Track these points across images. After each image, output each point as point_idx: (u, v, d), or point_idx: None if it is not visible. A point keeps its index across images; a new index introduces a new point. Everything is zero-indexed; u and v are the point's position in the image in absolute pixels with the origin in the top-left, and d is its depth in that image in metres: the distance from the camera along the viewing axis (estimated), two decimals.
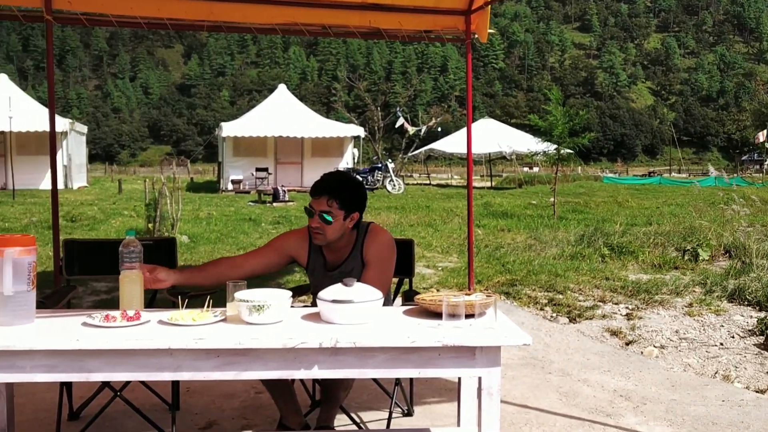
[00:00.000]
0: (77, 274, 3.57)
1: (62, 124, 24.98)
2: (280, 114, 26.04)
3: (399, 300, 3.65)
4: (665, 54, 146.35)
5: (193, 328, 2.44)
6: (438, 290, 6.94)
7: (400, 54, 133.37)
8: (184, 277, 2.96)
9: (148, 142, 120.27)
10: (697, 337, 5.31)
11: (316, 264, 3.23)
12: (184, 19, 5.95)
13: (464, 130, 32.51)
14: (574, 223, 12.57)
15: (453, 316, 2.50)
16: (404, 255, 3.56)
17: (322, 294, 2.58)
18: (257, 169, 24.27)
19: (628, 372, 4.48)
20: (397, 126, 30.51)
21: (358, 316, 2.52)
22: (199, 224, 11.77)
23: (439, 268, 8.15)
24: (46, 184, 24.44)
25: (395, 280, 3.64)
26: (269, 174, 24.54)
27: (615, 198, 19.10)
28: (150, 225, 9.49)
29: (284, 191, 18.99)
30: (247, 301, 2.50)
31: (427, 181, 33.58)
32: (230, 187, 24.68)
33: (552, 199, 14.66)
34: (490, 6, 5.81)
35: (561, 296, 6.62)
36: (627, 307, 6.26)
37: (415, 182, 32.88)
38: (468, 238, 6.45)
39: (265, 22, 6.03)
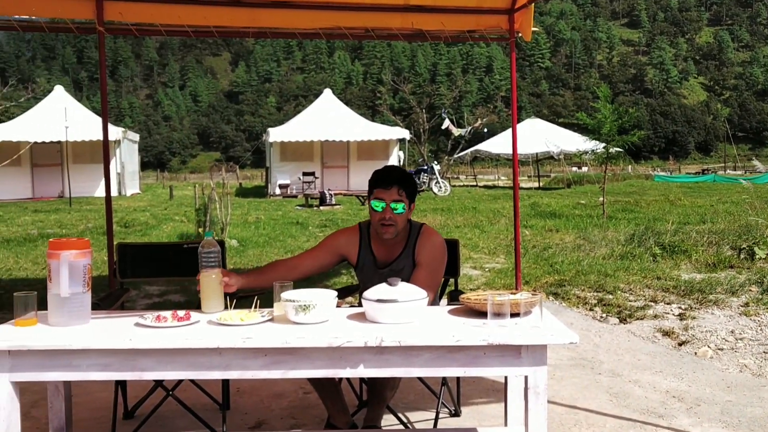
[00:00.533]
0: (130, 276, 3.66)
1: (115, 132, 25.67)
2: (326, 118, 26.26)
3: (444, 300, 3.65)
4: (718, 48, 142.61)
5: (241, 328, 2.49)
6: (484, 290, 6.92)
7: (445, 56, 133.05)
8: (247, 282, 3.00)
9: (197, 149, 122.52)
10: (754, 338, 5.16)
11: (365, 261, 3.27)
12: (229, 27, 6.07)
13: (510, 130, 32.28)
14: (624, 222, 12.35)
15: (498, 315, 2.49)
16: (450, 255, 3.54)
17: (366, 294, 2.60)
18: (304, 173, 24.50)
19: (681, 373, 4.39)
20: (443, 128, 30.42)
21: (403, 316, 2.53)
22: (248, 228, 11.94)
23: (486, 270, 8.10)
24: (101, 192, 25.13)
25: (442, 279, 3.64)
26: (316, 178, 24.74)
27: (667, 196, 18.70)
28: (200, 230, 9.67)
29: (331, 195, 19.12)
30: (294, 301, 2.54)
31: (474, 183, 33.41)
32: (278, 191, 24.96)
33: (601, 199, 14.43)
34: (533, 4, 5.77)
35: (611, 296, 6.51)
36: (680, 307, 6.12)
37: (462, 184, 32.75)
38: (515, 239, 6.40)
39: (308, 27, 6.10)
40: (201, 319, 2.64)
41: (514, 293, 2.81)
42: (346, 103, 34.16)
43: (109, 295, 3.50)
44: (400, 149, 26.63)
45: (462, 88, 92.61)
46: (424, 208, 15.96)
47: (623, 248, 8.97)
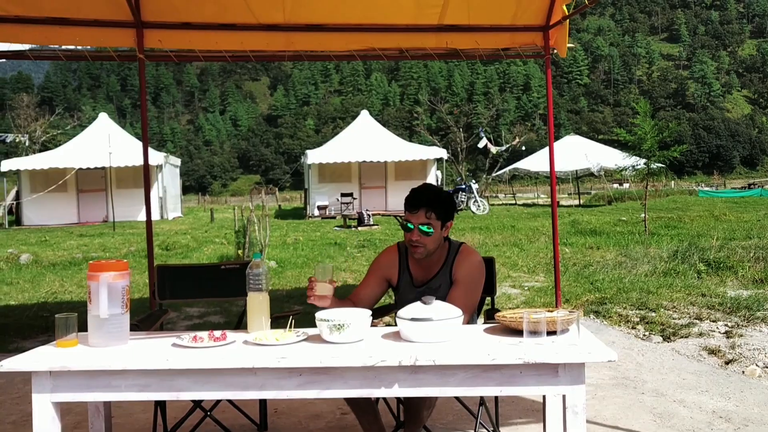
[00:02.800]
0: (169, 298, 3.71)
1: (157, 157, 26.19)
2: (364, 139, 26.42)
3: (481, 319, 3.61)
4: (762, 60, 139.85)
5: (276, 348, 2.50)
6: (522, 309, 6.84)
7: (482, 75, 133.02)
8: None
9: (238, 172, 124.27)
10: None
11: (403, 280, 3.27)
12: (265, 51, 6.17)
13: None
14: (667, 238, 12.11)
15: (534, 333, 2.46)
16: (486, 273, 3.52)
17: (401, 313, 2.60)
18: (342, 195, 24.63)
19: (728, 392, 4.26)
20: (480, 146, 30.33)
21: (437, 334, 2.52)
22: (287, 249, 12.02)
23: (525, 288, 8.01)
24: (143, 216, 25.59)
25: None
26: (354, 199, 24.85)
27: (711, 212, 18.29)
28: (239, 251, 9.78)
29: (369, 215, 19.16)
30: (328, 321, 2.54)
31: (513, 201, 33.18)
32: (316, 212, 25.11)
33: (643, 215, 14.19)
34: (568, 20, 5.75)
35: (654, 314, 6.37)
36: (726, 325, 5.96)
37: (501, 202, 32.56)
38: (554, 257, 6.33)
39: (343, 49, 6.17)
40: (237, 339, 2.66)
41: (551, 311, 2.78)
42: (384, 124, 34.32)
43: (148, 317, 3.55)
44: (437, 169, 26.61)
45: (499, 106, 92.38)
46: (463, 227, 15.88)
47: (666, 265, 8.79)
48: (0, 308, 7.50)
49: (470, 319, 3.14)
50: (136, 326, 3.26)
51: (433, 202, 3.12)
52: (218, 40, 6.00)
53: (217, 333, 2.68)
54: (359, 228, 17.91)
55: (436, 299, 2.64)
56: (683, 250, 9.49)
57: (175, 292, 3.72)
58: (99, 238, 15.53)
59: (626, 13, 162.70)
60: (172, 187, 28.73)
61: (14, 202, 26.60)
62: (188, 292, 3.77)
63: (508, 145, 32.70)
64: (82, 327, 2.65)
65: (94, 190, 26.26)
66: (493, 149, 30.30)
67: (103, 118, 29.58)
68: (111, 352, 2.53)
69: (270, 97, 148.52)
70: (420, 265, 3.23)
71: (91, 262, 2.70)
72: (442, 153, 26.43)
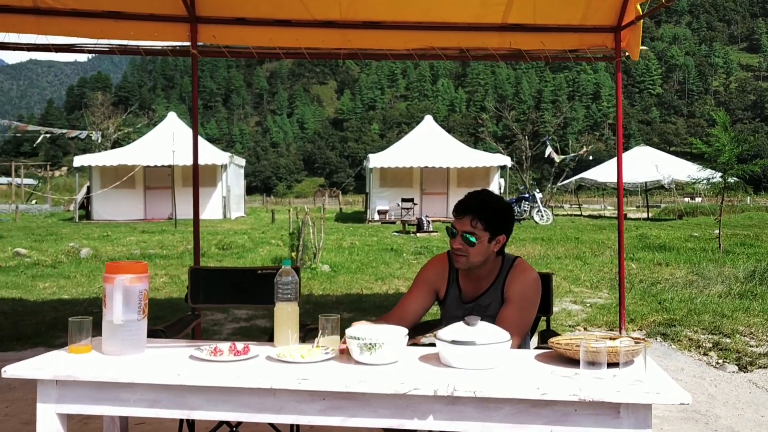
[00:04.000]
0: (202, 302, 3.52)
1: (222, 157, 26.58)
2: (426, 144, 26.16)
3: (534, 340, 3.29)
4: None
5: (299, 367, 2.25)
6: (585, 328, 6.42)
7: (551, 82, 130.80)
8: None
9: (303, 174, 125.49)
10: None
11: (451, 295, 2.99)
12: (320, 48, 5.97)
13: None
14: (743, 257, 11.40)
15: (593, 364, 2.14)
16: (542, 291, 3.20)
17: (441, 333, 2.31)
18: (403, 200, 24.40)
19: None
20: (546, 155, 29.66)
21: (480, 361, 2.22)
22: (342, 253, 11.84)
23: (588, 305, 7.58)
24: (208, 214, 25.99)
25: None
26: (415, 204, 24.58)
27: None
28: (293, 254, 9.63)
29: (428, 221, 18.86)
30: (358, 339, 2.28)
31: (579, 212, 32.31)
32: (376, 217, 24.96)
33: (717, 231, 13.44)
34: (641, 22, 5.36)
35: (728, 340, 5.88)
36: None
37: (566, 213, 31.72)
38: (619, 273, 5.94)
39: (400, 48, 5.92)
40: (261, 354, 2.43)
41: (614, 338, 2.45)
42: (449, 131, 34.01)
43: (178, 322, 3.36)
44: (501, 176, 26.11)
45: (567, 114, 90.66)
46: (524, 237, 15.42)
47: (742, 286, 8.20)
48: (53, 302, 7.54)
49: (522, 342, 2.84)
50: (161, 332, 3.08)
51: (481, 210, 2.82)
52: (272, 37, 5.83)
53: (240, 345, 2.46)
54: (418, 234, 17.63)
55: (481, 319, 2.35)
56: (761, 270, 8.86)
57: (209, 296, 3.52)
58: (159, 235, 15.69)
59: (703, 22, 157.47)
60: (236, 186, 29.06)
61: (85, 197, 27.38)
62: (223, 297, 3.57)
63: (574, 154, 31.82)
64: (98, 331, 2.47)
65: (160, 187, 26.72)
66: (557, 158, 29.54)
67: (172, 117, 30.17)
68: (123, 362, 2.33)
69: (337, 101, 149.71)
70: (469, 279, 2.94)
71: (108, 262, 2.51)
72: (506, 160, 25.91)
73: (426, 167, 25.26)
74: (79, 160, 26.63)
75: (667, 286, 8.54)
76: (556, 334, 3.26)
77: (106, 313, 2.41)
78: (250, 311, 7.14)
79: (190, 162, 25.12)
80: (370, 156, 26.21)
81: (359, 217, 26.64)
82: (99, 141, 33.86)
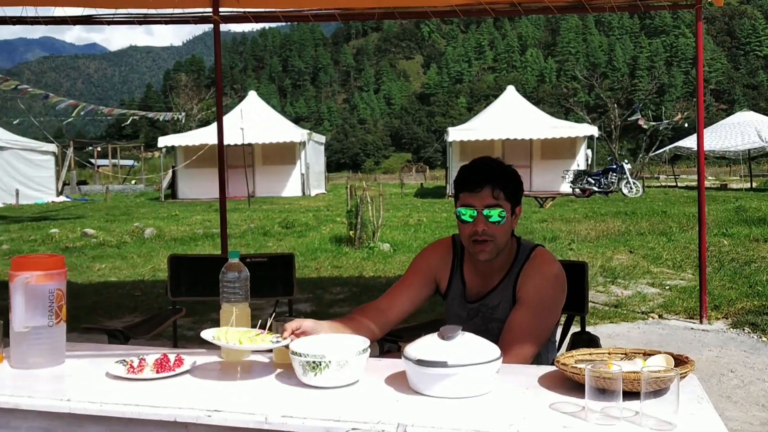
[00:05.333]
0: (184, 295, 3.10)
1: (300, 134, 26.51)
2: (508, 116, 25.21)
3: (565, 344, 2.68)
4: None
5: (208, 398, 1.74)
6: (660, 316, 5.67)
7: (646, 48, 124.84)
8: (332, 331, 2.20)
9: (390, 150, 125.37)
10: None
11: (454, 290, 2.41)
12: (353, 8, 5.44)
13: (718, 125, 29.01)
14: None
15: (603, 392, 1.54)
16: (576, 283, 2.59)
17: (407, 349, 1.77)
18: None
19: None
20: (636, 121, 27.95)
21: (455, 387, 1.67)
22: (407, 231, 11.34)
23: (667, 287, 6.78)
24: (288, 192, 26.05)
25: (562, 317, 2.67)
26: None
27: None
28: (351, 232, 9.21)
29: None
30: (300, 355, 1.77)
31: (674, 183, 30.48)
32: None
33: None
34: None
35: None
36: None
37: (659, 184, 29.99)
38: (699, 251, 5.18)
39: (442, 4, 5.32)
40: (196, 365, 1.96)
41: (648, 355, 1.84)
42: (539, 102, 32.77)
43: (151, 318, 2.95)
44: (588, 147, 24.85)
45: (664, 81, 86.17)
46: (605, 211, 14.41)
47: None
48: (98, 285, 7.40)
49: (536, 353, 2.25)
50: (118, 333, 2.67)
51: (502, 176, 2.23)
52: (301, 0, 5.36)
53: (172, 356, 1.99)
54: None
55: (463, 331, 1.79)
56: None
57: (189, 288, 3.09)
58: (231, 213, 15.55)
59: None
60: (316, 164, 28.98)
61: (170, 177, 28.02)
62: (206, 289, 3.11)
63: (666, 121, 29.89)
64: None
65: (239, 165, 26.92)
66: (645, 124, 27.74)
67: (252, 96, 30.32)
68: (20, 379, 1.92)
69: (423, 76, 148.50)
70: (477, 272, 2.35)
71: (15, 257, 2.09)
72: (593, 130, 24.59)
73: (508, 139, 24.34)
74: (163, 141, 27.22)
75: (763, 265, 7.59)
76: (593, 339, 2.66)
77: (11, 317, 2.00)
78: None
79: (269, 140, 25.43)
80: (450, 129, 25.50)
81: (440, 193, 26.01)
82: (183, 122, 34.54)
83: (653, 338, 5.02)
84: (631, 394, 1.57)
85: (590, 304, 5.99)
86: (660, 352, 1.85)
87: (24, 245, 11.13)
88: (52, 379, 1.91)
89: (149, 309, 6.17)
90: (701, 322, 5.39)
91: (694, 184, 29.95)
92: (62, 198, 27.61)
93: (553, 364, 2.34)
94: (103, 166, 43.93)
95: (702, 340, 4.95)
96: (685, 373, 1.65)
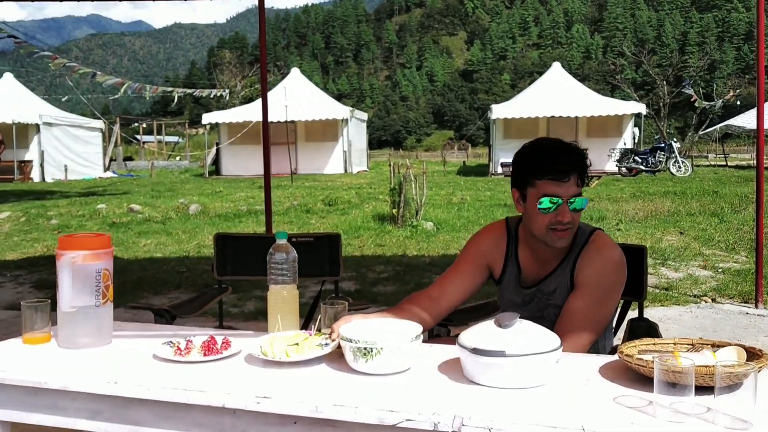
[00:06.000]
0: (230, 274, 3.07)
1: (343, 111, 26.47)
2: (554, 93, 24.75)
3: (622, 332, 2.58)
4: None
5: (258, 382, 1.70)
6: (713, 300, 5.48)
7: (697, 23, 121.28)
8: None
9: (432, 127, 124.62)
10: None
11: (509, 275, 2.32)
12: None
13: None
14: None
15: (674, 386, 1.45)
16: (635, 267, 2.47)
17: (463, 336, 1.70)
18: None
19: None
20: (690, 98, 27.17)
21: (513, 378, 1.60)
22: (450, 210, 11.22)
23: (719, 270, 6.56)
24: (330, 169, 26.08)
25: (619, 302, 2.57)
26: None
27: None
28: (394, 210, 9.15)
29: None
30: (351, 341, 1.71)
31: (724, 162, 29.67)
32: (499, 170, 23.98)
33: None
34: None
35: None
36: None
37: (709, 163, 29.21)
38: (756, 233, 4.98)
39: None
40: (244, 350, 1.92)
41: (718, 346, 1.74)
42: (584, 79, 32.13)
43: (196, 297, 2.93)
44: (635, 125, 24.28)
45: (715, 56, 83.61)
46: (653, 191, 14.06)
47: None
48: (143, 261, 7.49)
49: (599, 340, 2.16)
50: (166, 312, 2.65)
51: (584, 164, 2.12)
52: None
53: (219, 339, 1.95)
54: None
55: (522, 318, 1.71)
56: None
57: (236, 267, 3.06)
58: (274, 191, 15.62)
59: None
60: (358, 141, 28.92)
61: (214, 153, 28.29)
62: (253, 268, 3.08)
63: (719, 99, 28.99)
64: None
65: (283, 142, 27.05)
66: (700, 102, 26.97)
67: (295, 73, 30.32)
68: (70, 359, 1.90)
69: (466, 52, 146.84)
70: (535, 257, 2.25)
71: (62, 235, 2.07)
72: (641, 108, 23.99)
73: (553, 117, 23.91)
74: (207, 118, 27.46)
75: None
76: (652, 326, 2.56)
77: (58, 297, 1.98)
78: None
79: (311, 117, 25.44)
80: (493, 106, 25.16)
81: (482, 171, 25.75)
82: (227, 99, 34.76)
83: (706, 323, 4.86)
84: (701, 389, 1.48)
85: None
86: (730, 344, 1.75)
87: (72, 220, 11.34)
88: (99, 361, 1.89)
89: (194, 285, 6.22)
90: (757, 307, 5.20)
91: (745, 163, 29.16)
92: (109, 174, 28.14)
93: (609, 351, 2.27)
94: (149, 142, 44.66)
95: (758, 325, 4.78)
96: (761, 367, 1.55)
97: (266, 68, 5.51)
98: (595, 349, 2.20)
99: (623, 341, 2.43)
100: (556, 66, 27.82)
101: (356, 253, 7.86)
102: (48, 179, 23.94)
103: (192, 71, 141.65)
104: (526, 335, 1.65)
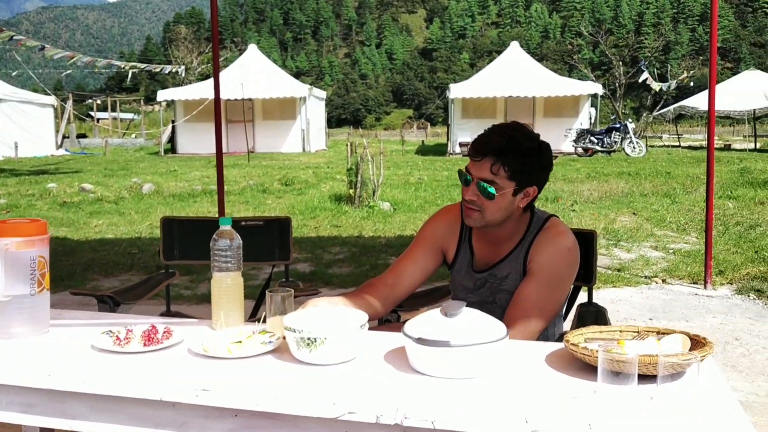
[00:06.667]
0: (177, 258, 3.00)
1: (301, 89, 26.19)
2: (512, 73, 24.89)
3: (572, 316, 2.59)
4: None
5: (201, 375, 1.65)
6: (663, 280, 5.59)
7: (653, 4, 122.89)
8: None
9: (391, 106, 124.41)
10: None
11: (461, 258, 2.31)
12: None
13: (724, 84, 28.59)
14: None
15: (618, 375, 1.45)
16: (582, 253, 2.48)
17: (407, 326, 1.67)
18: None
19: None
20: (640, 81, 27.59)
21: (457, 368, 1.58)
22: (407, 190, 11.22)
23: (670, 251, 6.69)
24: (288, 148, 25.83)
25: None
26: None
27: None
28: (351, 191, 9.09)
29: None
30: (295, 331, 1.67)
31: (677, 143, 30.26)
32: (458, 150, 24.08)
33: None
34: None
35: None
36: None
37: (662, 144, 29.75)
38: (706, 214, 5.08)
39: None
40: (186, 339, 1.86)
41: (662, 334, 1.75)
42: (542, 59, 32.38)
43: (144, 282, 2.86)
44: (592, 106, 24.56)
45: (670, 38, 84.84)
46: (608, 171, 14.27)
47: None
48: (94, 242, 7.32)
49: (544, 328, 2.16)
50: (109, 298, 2.57)
51: (508, 151, 2.07)
52: None
53: (161, 327, 1.89)
54: None
55: (473, 303, 1.69)
56: None
57: (184, 251, 2.99)
58: (230, 170, 15.43)
59: None
60: (316, 119, 28.69)
61: (170, 131, 27.78)
62: (200, 253, 3.00)
63: (673, 81, 29.47)
64: None
65: (240, 120, 26.69)
66: (655, 85, 27.42)
67: (252, 49, 29.87)
68: (7, 349, 1.83)
69: (426, 30, 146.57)
70: (486, 241, 2.24)
71: None
72: (597, 88, 24.28)
73: (510, 97, 24.05)
74: (162, 95, 26.94)
75: None
76: (601, 311, 2.58)
77: None
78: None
79: (269, 95, 25.11)
80: (452, 86, 25.19)
81: (441, 150, 25.82)
82: (183, 75, 34.10)
83: (656, 304, 4.95)
84: (645, 378, 1.48)
85: None
86: (675, 332, 1.76)
87: (22, 199, 11.03)
88: (33, 351, 1.81)
89: (146, 267, 6.10)
90: (705, 288, 5.31)
91: (697, 144, 29.77)
92: (61, 151, 27.43)
93: (559, 338, 2.28)
94: (103, 119, 43.66)
95: (706, 306, 4.88)
96: (704, 357, 1.55)
97: (218, 45, 5.39)
98: (544, 335, 2.20)
99: (572, 327, 2.45)
100: (514, 45, 27.94)
101: (312, 234, 7.80)
102: None
103: (147, 47, 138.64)
104: (471, 324, 1.63)
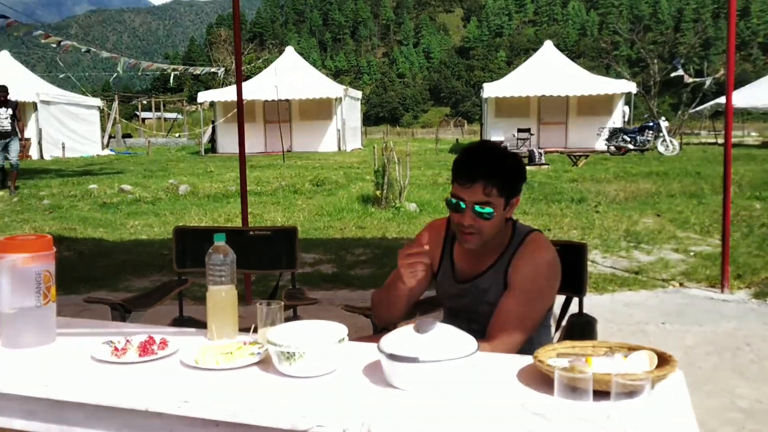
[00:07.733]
0: (189, 266, 3.12)
1: (336, 90, 26.37)
2: (545, 72, 24.75)
3: (563, 327, 2.64)
4: None
5: (184, 385, 1.76)
6: (680, 284, 5.55)
7: (693, 0, 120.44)
8: None
9: (429, 104, 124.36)
10: None
11: (443, 269, 2.42)
12: None
13: (764, 79, 27.92)
14: None
15: (575, 391, 1.51)
16: (574, 264, 2.55)
17: (382, 342, 1.75)
18: (519, 130, 23.30)
19: None
20: (672, 76, 27.10)
21: (426, 383, 1.66)
22: (435, 191, 11.27)
23: (691, 254, 6.63)
24: (324, 147, 26.02)
25: (561, 298, 2.63)
26: (531, 135, 23.40)
27: None
28: (378, 192, 9.20)
29: (540, 153, 17.81)
30: (275, 345, 1.77)
31: (714, 140, 29.67)
32: None
33: None
34: None
35: None
36: None
37: (699, 141, 29.20)
38: (723, 216, 5.06)
39: None
40: (180, 350, 1.97)
41: (631, 350, 1.80)
42: (578, 56, 32.10)
43: (156, 289, 2.99)
44: (625, 104, 24.27)
45: (710, 34, 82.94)
46: (636, 171, 14.08)
47: None
48: (129, 243, 7.54)
49: (523, 342, 2.22)
50: (120, 306, 2.71)
51: (495, 172, 2.17)
52: None
53: (158, 338, 2.01)
54: (529, 167, 16.66)
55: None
56: None
57: (196, 259, 3.10)
58: (264, 170, 15.65)
59: None
60: (352, 119, 28.86)
61: (210, 131, 28.24)
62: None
63: (710, 77, 28.86)
64: None
65: (277, 121, 26.98)
66: (689, 79, 26.85)
67: (289, 51, 30.16)
68: (12, 359, 1.96)
69: (463, 29, 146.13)
70: (468, 254, 2.33)
71: (1, 239, 2.11)
72: (631, 87, 23.99)
73: (543, 96, 23.91)
74: (202, 96, 27.37)
75: None
76: (590, 322, 2.63)
77: None
78: (317, 255, 6.80)
79: (306, 96, 25.35)
80: (485, 85, 25.15)
81: None
82: (222, 77, 34.62)
83: (670, 308, 4.93)
84: (605, 395, 1.54)
85: (610, 270, 5.93)
86: (644, 348, 1.80)
87: (64, 200, 11.35)
88: (36, 362, 1.94)
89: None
90: (722, 292, 5.27)
91: (736, 140, 29.11)
92: (107, 151, 28.10)
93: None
94: (148, 119, 44.56)
95: (720, 310, 4.85)
96: (662, 376, 1.61)
97: (240, 45, 5.64)
98: (530, 346, 2.26)
99: (560, 338, 2.51)
100: (548, 44, 27.77)
101: (337, 235, 7.91)
102: (46, 157, 23.89)
103: (191, 48, 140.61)
104: (442, 340, 1.71)
